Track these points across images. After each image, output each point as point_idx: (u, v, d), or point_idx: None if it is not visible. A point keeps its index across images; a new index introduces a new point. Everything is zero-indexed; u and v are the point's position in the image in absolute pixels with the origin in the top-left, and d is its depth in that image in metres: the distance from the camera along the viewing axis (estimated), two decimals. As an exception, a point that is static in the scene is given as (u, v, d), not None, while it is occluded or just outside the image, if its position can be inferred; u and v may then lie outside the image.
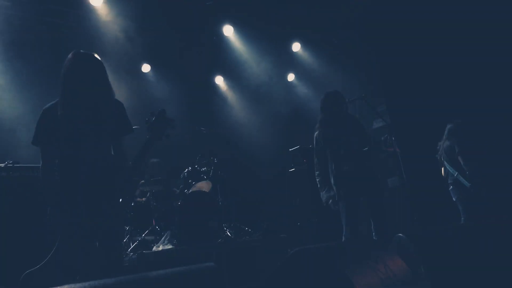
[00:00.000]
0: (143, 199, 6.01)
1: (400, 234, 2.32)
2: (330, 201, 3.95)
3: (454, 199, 5.00)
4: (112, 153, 2.76)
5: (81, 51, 2.69)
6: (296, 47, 8.21)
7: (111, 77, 2.80)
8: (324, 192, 4.00)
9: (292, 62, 8.51)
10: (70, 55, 2.66)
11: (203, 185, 5.89)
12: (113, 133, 2.72)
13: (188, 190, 5.78)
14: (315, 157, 4.09)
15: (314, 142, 4.11)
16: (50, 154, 2.61)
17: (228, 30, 7.41)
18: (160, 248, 4.88)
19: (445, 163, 5.19)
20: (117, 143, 2.76)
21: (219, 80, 8.78)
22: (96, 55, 2.72)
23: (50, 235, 2.58)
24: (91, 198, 2.55)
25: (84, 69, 2.61)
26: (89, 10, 6.36)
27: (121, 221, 2.98)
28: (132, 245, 5.04)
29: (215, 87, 8.79)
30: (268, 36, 7.77)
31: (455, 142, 5.08)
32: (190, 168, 6.04)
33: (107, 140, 2.71)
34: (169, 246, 4.92)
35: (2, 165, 4.28)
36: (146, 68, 7.66)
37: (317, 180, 4.10)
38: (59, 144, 2.58)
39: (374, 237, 3.88)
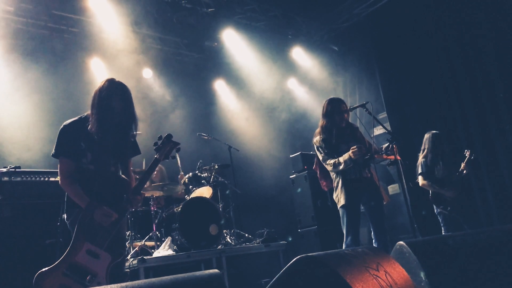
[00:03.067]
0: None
1: (401, 242, 2.32)
2: (353, 152, 3.75)
3: (435, 211, 5.03)
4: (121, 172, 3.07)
5: (114, 79, 2.99)
6: (297, 53, 8.23)
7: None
8: (342, 159, 3.83)
9: (293, 68, 8.54)
10: (105, 80, 2.95)
11: (204, 191, 5.89)
12: (126, 154, 3.08)
13: (189, 196, 5.79)
14: (324, 161, 3.98)
15: (316, 148, 4.09)
16: (70, 163, 2.83)
17: (229, 36, 7.44)
18: (161, 254, 4.87)
19: None
20: (125, 164, 3.09)
21: (220, 86, 8.80)
22: (124, 84, 3.01)
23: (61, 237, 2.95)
24: (105, 204, 2.78)
25: (119, 95, 2.89)
26: (91, 16, 6.40)
27: (125, 232, 3.22)
28: (132, 250, 5.03)
29: (216, 92, 8.82)
30: (269, 42, 7.81)
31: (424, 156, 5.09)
32: (191, 174, 6.04)
33: (117, 160, 3.01)
34: (170, 252, 4.91)
35: (4, 169, 4.30)
36: (147, 73, 7.69)
37: (332, 162, 3.90)
38: (80, 158, 2.83)
39: (374, 244, 3.88)
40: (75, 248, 2.61)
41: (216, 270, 1.40)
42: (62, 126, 2.90)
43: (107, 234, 2.70)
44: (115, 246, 2.75)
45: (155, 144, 2.97)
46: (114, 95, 2.88)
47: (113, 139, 2.91)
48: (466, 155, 4.98)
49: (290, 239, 5.71)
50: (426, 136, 5.14)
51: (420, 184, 5.08)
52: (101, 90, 2.89)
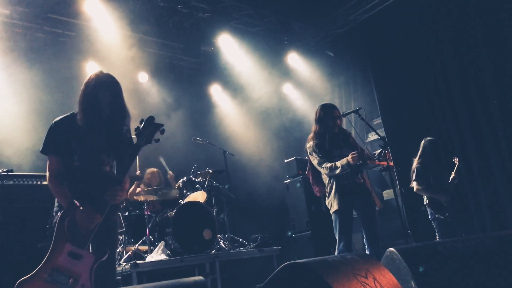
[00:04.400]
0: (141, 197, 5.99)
1: (391, 248, 2.33)
2: (352, 158, 3.74)
3: (430, 217, 5.06)
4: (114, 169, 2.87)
5: (103, 71, 2.85)
6: (292, 58, 8.26)
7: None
8: (340, 163, 3.83)
9: (288, 73, 8.56)
10: (93, 74, 2.81)
11: (198, 196, 5.88)
12: (120, 151, 2.83)
13: (183, 201, 5.78)
14: (319, 165, 3.97)
15: (309, 153, 4.09)
16: (58, 161, 2.71)
17: (225, 41, 7.46)
18: (154, 258, 4.85)
19: None
20: (120, 160, 2.85)
21: (216, 90, 8.81)
22: (113, 76, 2.86)
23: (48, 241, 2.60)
24: (89, 203, 2.61)
25: (106, 87, 2.75)
26: (87, 20, 6.40)
27: (115, 229, 2.97)
28: (126, 255, 5.02)
29: (212, 97, 8.83)
30: (265, 47, 7.83)
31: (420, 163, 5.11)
32: (185, 178, 6.04)
33: (112, 157, 2.83)
34: (163, 257, 4.90)
35: (-4, 173, 4.27)
36: (143, 77, 7.69)
37: (328, 166, 3.89)
38: (69, 155, 2.69)
39: (366, 250, 3.88)
40: (55, 251, 2.47)
41: (200, 277, 1.40)
42: (52, 122, 2.80)
43: (89, 232, 2.53)
44: (100, 243, 2.60)
45: (136, 129, 2.72)
46: (101, 88, 2.75)
47: (106, 136, 2.77)
48: (455, 162, 5.01)
49: (292, 234, 5.69)
50: (423, 142, 5.16)
51: (414, 189, 5.09)
52: (87, 84, 2.78)
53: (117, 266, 3.69)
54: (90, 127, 2.71)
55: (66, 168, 2.73)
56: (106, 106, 2.74)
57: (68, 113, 2.84)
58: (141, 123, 2.68)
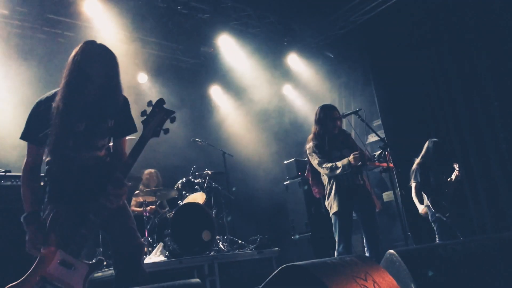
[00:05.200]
0: (140, 209, 5.97)
1: (391, 250, 2.30)
2: (354, 158, 3.71)
3: (430, 219, 5.06)
4: (111, 152, 2.55)
5: (95, 41, 2.45)
6: (292, 59, 8.25)
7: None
8: (340, 163, 3.80)
9: (288, 74, 8.55)
10: (83, 43, 2.39)
11: (197, 197, 5.86)
12: (116, 132, 2.50)
13: (182, 202, 5.76)
14: (320, 165, 3.95)
15: (309, 153, 4.07)
16: (37, 151, 2.37)
17: (225, 42, 7.44)
18: (152, 259, 4.83)
19: None
20: (118, 143, 2.53)
21: (216, 91, 8.80)
22: (107, 47, 2.47)
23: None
24: (80, 202, 2.34)
25: (94, 58, 2.34)
26: (87, 20, 6.39)
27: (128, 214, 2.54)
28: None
29: (211, 98, 8.81)
30: (265, 48, 7.82)
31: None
32: (184, 179, 6.02)
33: (107, 139, 2.49)
34: (162, 258, 4.87)
35: (-6, 173, 4.24)
36: (143, 78, 7.68)
37: (329, 166, 3.87)
38: (50, 139, 2.30)
39: (366, 252, 3.86)
40: (46, 258, 2.20)
41: (197, 280, 1.37)
42: (35, 103, 2.41)
43: (83, 239, 2.23)
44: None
45: (143, 113, 2.32)
46: (92, 59, 2.32)
47: (97, 116, 2.37)
48: (455, 168, 5.01)
49: (277, 249, 5.66)
50: (427, 143, 5.16)
51: (412, 190, 5.09)
52: (75, 55, 2.33)
53: (106, 269, 3.60)
54: (72, 108, 2.28)
55: (53, 156, 2.38)
56: (96, 84, 2.32)
57: (54, 91, 2.44)
58: (149, 105, 2.33)
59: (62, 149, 2.33)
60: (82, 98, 2.33)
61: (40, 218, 2.31)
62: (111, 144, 2.61)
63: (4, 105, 5.96)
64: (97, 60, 2.34)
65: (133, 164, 2.33)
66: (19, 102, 5.96)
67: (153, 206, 5.99)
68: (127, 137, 2.61)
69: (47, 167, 2.43)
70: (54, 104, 2.29)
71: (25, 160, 2.39)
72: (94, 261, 2.33)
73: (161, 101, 2.35)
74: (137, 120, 2.48)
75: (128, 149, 2.50)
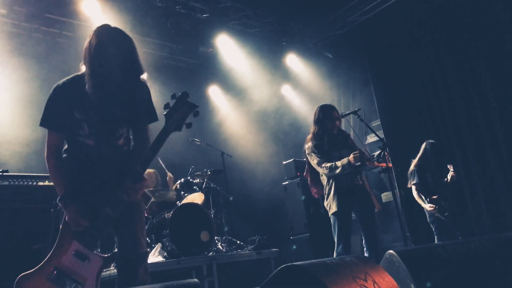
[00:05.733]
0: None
1: (391, 251, 2.29)
2: (354, 157, 3.70)
3: (428, 220, 5.06)
4: (133, 141, 2.49)
5: (109, 24, 2.39)
6: (291, 59, 8.24)
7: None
8: (340, 163, 3.78)
9: (287, 74, 8.54)
10: (98, 28, 2.34)
11: (196, 197, 5.85)
12: (139, 120, 2.42)
13: (180, 202, 5.74)
14: (319, 164, 3.92)
15: (308, 153, 4.06)
16: (57, 137, 2.33)
17: (224, 42, 7.43)
18: (150, 260, 4.81)
19: None
20: (140, 131, 2.45)
21: (215, 92, 8.79)
22: (122, 30, 2.42)
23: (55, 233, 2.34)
24: (97, 194, 2.30)
25: (116, 44, 2.28)
26: (85, 20, 6.37)
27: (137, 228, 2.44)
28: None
29: (210, 98, 8.80)
30: (263, 48, 7.81)
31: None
32: (182, 179, 6.00)
33: (124, 128, 2.43)
34: (160, 259, 4.86)
35: (-8, 173, 4.22)
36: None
37: (328, 165, 3.84)
38: (74, 130, 2.28)
39: (365, 253, 3.85)
40: (61, 248, 2.18)
41: (195, 280, 1.36)
42: (52, 88, 2.34)
43: (98, 232, 2.22)
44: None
45: (166, 106, 2.27)
46: (109, 42, 2.26)
47: (118, 102, 2.31)
48: (450, 169, 5.02)
49: (276, 250, 5.65)
50: (425, 144, 5.17)
51: (413, 192, 5.09)
52: (91, 40, 2.28)
53: (113, 267, 3.59)
54: (100, 93, 2.24)
55: (73, 145, 2.34)
56: (117, 67, 2.25)
57: (71, 76, 2.40)
58: (172, 98, 2.28)
59: (99, 136, 2.29)
60: (109, 81, 2.27)
61: (76, 198, 2.26)
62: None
63: (1, 104, 5.94)
64: (112, 40, 2.29)
65: (153, 157, 2.30)
66: (16, 102, 5.95)
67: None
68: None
69: (64, 155, 2.38)
70: (87, 88, 2.23)
71: (46, 147, 2.33)
72: (109, 254, 2.30)
73: (185, 94, 2.30)
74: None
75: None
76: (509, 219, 5.53)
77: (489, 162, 5.80)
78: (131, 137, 2.50)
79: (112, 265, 3.53)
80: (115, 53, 2.25)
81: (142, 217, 2.49)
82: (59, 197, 2.27)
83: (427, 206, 4.96)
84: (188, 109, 2.29)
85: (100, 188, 2.30)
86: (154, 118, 2.52)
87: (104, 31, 2.32)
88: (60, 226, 2.26)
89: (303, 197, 6.07)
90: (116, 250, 2.39)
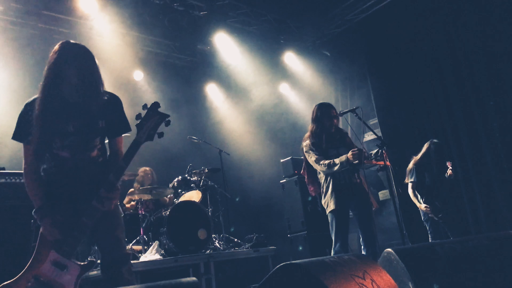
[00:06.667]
0: (133, 203, 5.95)
1: (389, 249, 2.29)
2: (352, 154, 3.68)
3: (422, 219, 5.09)
4: (108, 153, 2.54)
5: (70, 41, 2.44)
6: (289, 57, 8.23)
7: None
8: (338, 160, 3.76)
9: (284, 72, 8.53)
10: (57, 45, 2.39)
11: (193, 195, 5.84)
12: (108, 132, 2.49)
13: (178, 200, 5.73)
14: (317, 162, 3.91)
15: (306, 151, 4.05)
16: (31, 151, 2.37)
17: (222, 40, 7.41)
18: (148, 258, 4.80)
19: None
20: (113, 143, 2.52)
21: (212, 89, 8.77)
22: (84, 46, 2.47)
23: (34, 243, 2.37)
24: (72, 204, 2.36)
25: (69, 59, 2.32)
26: (82, 17, 6.34)
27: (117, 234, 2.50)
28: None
29: (208, 96, 8.78)
30: (261, 46, 7.80)
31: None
32: (180, 177, 5.99)
33: (99, 139, 2.48)
34: (157, 256, 4.85)
35: (-12, 171, 4.20)
36: (138, 75, 7.63)
37: (327, 163, 3.83)
38: (33, 141, 2.33)
39: (363, 251, 3.85)
40: (39, 257, 2.25)
41: (193, 278, 1.35)
42: (23, 106, 2.42)
43: (75, 241, 2.27)
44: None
45: (137, 117, 2.33)
46: (66, 60, 2.31)
47: (85, 117, 2.36)
48: (449, 166, 5.04)
49: (273, 247, 5.66)
50: (429, 144, 5.18)
51: (409, 189, 5.11)
52: (50, 57, 2.34)
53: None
54: (52, 110, 2.30)
55: (50, 158, 2.39)
56: (74, 84, 2.32)
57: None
58: (144, 109, 2.33)
59: (51, 149, 2.36)
60: (61, 99, 2.34)
61: (51, 210, 2.33)
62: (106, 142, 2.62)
63: (-2, 102, 5.91)
64: (72, 61, 2.34)
65: (126, 167, 2.35)
66: (12, 99, 5.92)
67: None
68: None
69: (43, 166, 2.44)
70: (35, 110, 2.31)
71: (23, 160, 2.42)
72: (86, 262, 2.34)
73: (156, 105, 2.36)
74: (132, 121, 2.49)
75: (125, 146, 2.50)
76: (506, 217, 5.55)
77: (486, 161, 5.81)
78: (109, 147, 2.57)
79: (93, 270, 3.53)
80: (71, 70, 2.32)
81: (120, 222, 2.54)
82: (34, 209, 2.34)
83: (422, 206, 4.99)
84: (160, 119, 2.34)
85: (76, 198, 2.37)
86: (127, 129, 2.57)
87: (62, 49, 2.36)
88: (38, 238, 2.32)
89: (310, 198, 6.06)
90: (91, 258, 2.46)
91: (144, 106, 2.35)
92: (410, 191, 5.10)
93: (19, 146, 2.46)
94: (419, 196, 5.08)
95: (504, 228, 5.43)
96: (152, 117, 2.33)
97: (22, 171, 2.42)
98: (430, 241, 5.01)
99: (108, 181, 2.30)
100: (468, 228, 5.87)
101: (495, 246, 2.61)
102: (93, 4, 6.09)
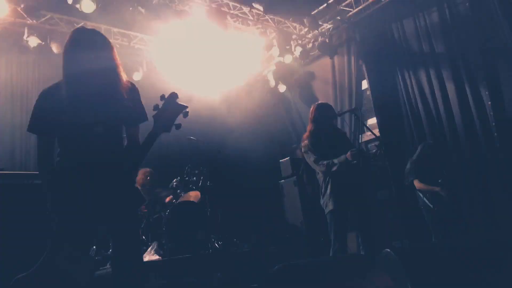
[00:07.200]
0: None
1: (388, 250, 2.30)
2: (351, 155, 3.70)
3: (425, 218, 5.14)
4: (125, 143, 2.44)
5: (84, 27, 2.38)
6: (287, 58, 8.22)
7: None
8: (337, 160, 3.78)
9: (283, 73, 8.52)
10: (72, 32, 2.33)
11: (192, 196, 5.84)
12: (126, 120, 2.39)
13: (177, 200, 5.73)
14: (316, 162, 3.92)
15: (305, 151, 4.05)
16: (48, 143, 2.31)
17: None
18: (146, 258, 4.81)
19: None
20: (131, 132, 2.43)
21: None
22: (99, 31, 2.39)
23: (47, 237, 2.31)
24: (94, 194, 2.23)
25: (85, 45, 2.25)
26: (81, 16, 6.32)
27: (135, 219, 2.44)
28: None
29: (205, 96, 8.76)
30: (259, 46, 7.79)
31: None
32: (179, 178, 5.98)
33: (118, 128, 2.40)
34: (156, 257, 4.85)
35: (-14, 172, 4.19)
36: (137, 75, 7.62)
37: (325, 163, 3.85)
38: (61, 131, 2.27)
39: (362, 251, 3.85)
40: (54, 251, 2.23)
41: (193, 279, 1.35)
42: (39, 95, 2.35)
43: (91, 233, 2.29)
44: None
45: (155, 108, 2.26)
46: (80, 45, 2.24)
47: (96, 103, 2.25)
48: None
49: (272, 248, 5.65)
50: (423, 146, 5.29)
51: (417, 187, 5.13)
52: (66, 46, 2.28)
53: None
54: (77, 98, 2.22)
55: (62, 148, 2.31)
56: (91, 69, 2.22)
57: (56, 83, 2.38)
58: (161, 99, 2.26)
59: (77, 138, 2.26)
60: (86, 87, 2.24)
61: (67, 201, 2.23)
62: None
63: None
64: (88, 46, 2.26)
65: (143, 159, 2.31)
66: (11, 99, 5.92)
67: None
68: None
69: (57, 159, 2.34)
70: (64, 93, 2.22)
71: (37, 153, 2.34)
72: (100, 256, 2.32)
73: (173, 95, 2.28)
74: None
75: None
76: (504, 218, 5.55)
77: (484, 160, 5.81)
78: (124, 136, 2.47)
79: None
80: (88, 58, 2.23)
81: (137, 220, 2.52)
82: (49, 201, 2.26)
83: (437, 188, 4.98)
84: (178, 110, 2.28)
85: (93, 192, 2.26)
86: (144, 118, 2.46)
87: (75, 34, 2.30)
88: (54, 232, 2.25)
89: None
90: (105, 253, 2.40)
91: (162, 97, 2.27)
92: (418, 185, 5.11)
93: (17, 146, 2.44)
94: (419, 196, 5.12)
95: (503, 229, 5.44)
96: (169, 108, 2.27)
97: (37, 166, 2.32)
98: (433, 240, 5.04)
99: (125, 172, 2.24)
100: (467, 228, 5.87)
101: (494, 247, 2.62)
102: (92, 3, 6.06)
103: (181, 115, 2.30)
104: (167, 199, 6.08)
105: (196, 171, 6.07)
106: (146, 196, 5.59)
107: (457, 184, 5.92)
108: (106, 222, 2.26)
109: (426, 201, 5.05)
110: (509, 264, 2.47)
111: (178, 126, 2.31)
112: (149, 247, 5.06)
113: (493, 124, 5.72)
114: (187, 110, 2.30)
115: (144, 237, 5.22)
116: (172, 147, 7.11)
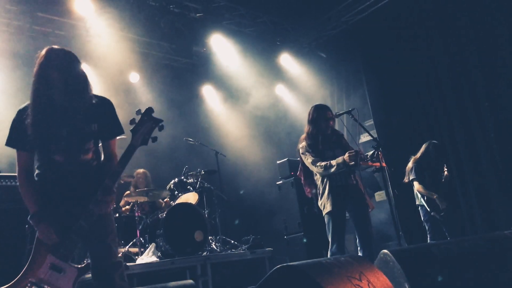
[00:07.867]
0: (128, 207, 5.93)
1: (385, 250, 2.30)
2: (349, 156, 3.69)
3: (423, 219, 5.13)
4: (102, 157, 2.55)
5: (54, 46, 2.44)
6: (285, 59, 8.25)
7: (99, 86, 2.68)
8: (335, 162, 3.78)
9: (281, 74, 8.54)
10: (42, 51, 2.41)
11: (190, 197, 5.83)
12: (100, 135, 2.50)
13: (174, 202, 5.72)
14: (313, 164, 3.92)
15: (302, 153, 4.05)
16: (25, 156, 2.40)
17: (218, 42, 7.41)
18: (144, 260, 4.79)
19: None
20: (107, 145, 2.53)
21: (208, 91, 8.76)
22: (68, 49, 2.49)
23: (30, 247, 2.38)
24: (69, 207, 2.37)
25: (53, 64, 2.33)
26: (78, 19, 6.32)
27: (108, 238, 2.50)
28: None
29: (204, 98, 8.78)
30: (257, 48, 7.81)
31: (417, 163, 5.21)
32: (176, 179, 5.98)
33: (92, 142, 2.49)
34: (154, 259, 4.84)
35: (-17, 174, 4.18)
36: (134, 77, 7.61)
37: (323, 164, 3.84)
38: (34, 146, 2.37)
39: (359, 252, 3.86)
40: (35, 262, 2.26)
41: (190, 281, 1.35)
42: (16, 112, 2.43)
43: (72, 244, 2.29)
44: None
45: (132, 122, 2.39)
46: (50, 65, 2.31)
47: (63, 122, 2.36)
48: (444, 168, 5.09)
49: (270, 249, 5.65)
50: (428, 145, 5.27)
51: (416, 188, 5.14)
52: (36, 65, 2.36)
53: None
54: (44, 115, 2.32)
55: (41, 161, 2.42)
56: (60, 89, 2.32)
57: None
58: (137, 114, 2.39)
59: (47, 154, 2.38)
60: (52, 104, 2.35)
61: (47, 215, 2.34)
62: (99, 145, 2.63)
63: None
64: (56, 65, 2.34)
65: (122, 171, 2.41)
66: (6, 101, 5.89)
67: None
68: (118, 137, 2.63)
69: (36, 171, 2.46)
70: (27, 118, 2.33)
71: (16, 166, 2.43)
72: (83, 264, 2.36)
73: (149, 110, 2.43)
74: (127, 125, 2.53)
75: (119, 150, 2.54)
76: (501, 218, 5.57)
77: (481, 162, 5.83)
78: (103, 151, 2.59)
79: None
80: (56, 74, 2.32)
81: (113, 228, 2.57)
82: (30, 215, 2.35)
83: (434, 195, 4.99)
84: (154, 124, 2.43)
85: (71, 202, 2.38)
86: (119, 131, 2.57)
87: (45, 54, 2.37)
88: (34, 242, 2.33)
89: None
90: (88, 261, 2.46)
91: (138, 112, 2.41)
92: (417, 186, 5.12)
93: (11, 149, 2.46)
94: (419, 196, 5.12)
95: (500, 229, 5.46)
96: (146, 122, 2.41)
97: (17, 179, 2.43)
98: (428, 241, 5.04)
99: (105, 185, 2.34)
100: (464, 228, 5.89)
101: (490, 247, 2.63)
102: (88, 6, 6.07)
103: (156, 128, 2.45)
104: (165, 201, 6.08)
105: (194, 172, 6.07)
106: (143, 197, 5.60)
107: (454, 185, 5.95)
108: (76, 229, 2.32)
109: (424, 204, 5.07)
110: (507, 264, 2.48)
111: (154, 139, 2.45)
112: (147, 249, 5.05)
113: (490, 125, 5.74)
114: (162, 123, 2.46)
115: (141, 239, 5.21)
116: (170, 148, 7.11)
